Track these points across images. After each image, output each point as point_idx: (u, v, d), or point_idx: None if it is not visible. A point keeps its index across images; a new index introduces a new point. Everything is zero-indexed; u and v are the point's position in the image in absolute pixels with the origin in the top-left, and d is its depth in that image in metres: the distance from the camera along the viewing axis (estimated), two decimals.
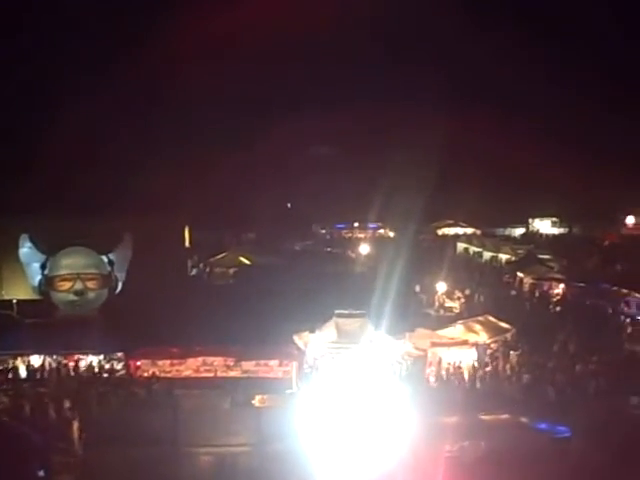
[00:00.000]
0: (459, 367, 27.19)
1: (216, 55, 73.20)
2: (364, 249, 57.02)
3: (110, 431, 20.95)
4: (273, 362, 26.40)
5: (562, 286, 43.98)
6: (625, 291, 39.96)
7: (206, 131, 75.30)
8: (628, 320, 36.81)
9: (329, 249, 60.42)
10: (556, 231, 77.72)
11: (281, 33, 71.40)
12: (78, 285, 31.54)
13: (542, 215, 78.61)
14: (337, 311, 28.62)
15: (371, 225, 75.12)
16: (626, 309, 38.25)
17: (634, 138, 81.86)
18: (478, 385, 26.37)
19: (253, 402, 23.90)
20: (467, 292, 42.08)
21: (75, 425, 21.12)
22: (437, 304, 40.31)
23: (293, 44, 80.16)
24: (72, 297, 31.56)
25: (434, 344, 27.81)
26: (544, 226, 78.71)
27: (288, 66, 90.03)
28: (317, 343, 27.58)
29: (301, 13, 65.78)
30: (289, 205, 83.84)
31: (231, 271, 47.63)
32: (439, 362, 27.31)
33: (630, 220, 78.03)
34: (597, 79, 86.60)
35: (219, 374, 26.27)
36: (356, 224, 75.78)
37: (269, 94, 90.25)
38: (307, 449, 17.53)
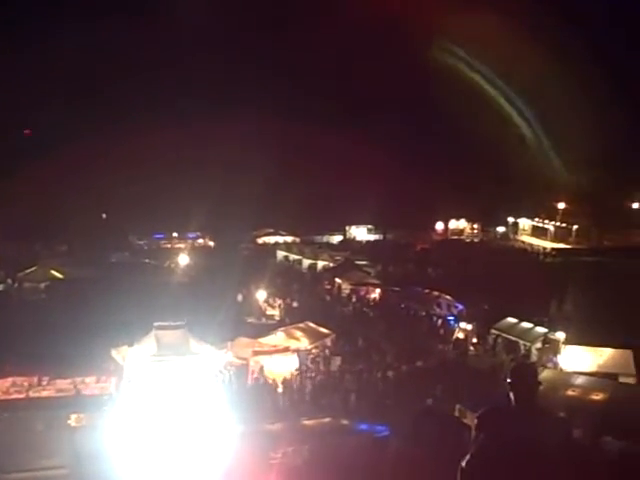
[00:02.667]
0: (281, 374, 27.31)
1: None
2: (183, 259, 56.08)
3: None
4: (90, 379, 25.17)
5: (378, 291, 45.40)
6: (436, 293, 41.95)
7: (11, 138, 71.46)
8: (440, 321, 38.63)
9: (147, 260, 58.84)
10: (372, 238, 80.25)
11: None
12: None
13: (358, 222, 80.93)
14: (156, 323, 27.79)
15: (190, 235, 74.05)
16: (438, 310, 40.16)
17: (441, 150, 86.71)
18: (300, 390, 26.61)
19: (69, 422, 22.67)
20: (288, 299, 42.46)
21: None
22: (258, 312, 40.34)
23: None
24: None
25: (256, 352, 27.77)
26: (360, 233, 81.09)
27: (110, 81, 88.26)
28: (136, 357, 26.66)
29: None
30: (104, 215, 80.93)
31: (42, 285, 45.13)
32: (261, 370, 27.29)
33: (439, 226, 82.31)
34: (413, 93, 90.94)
35: (31, 394, 24.71)
36: (175, 234, 74.39)
37: (83, 103, 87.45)
38: (127, 467, 16.86)
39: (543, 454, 5.28)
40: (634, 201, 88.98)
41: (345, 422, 19.80)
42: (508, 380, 5.51)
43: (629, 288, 45.55)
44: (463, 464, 5.39)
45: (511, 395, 5.49)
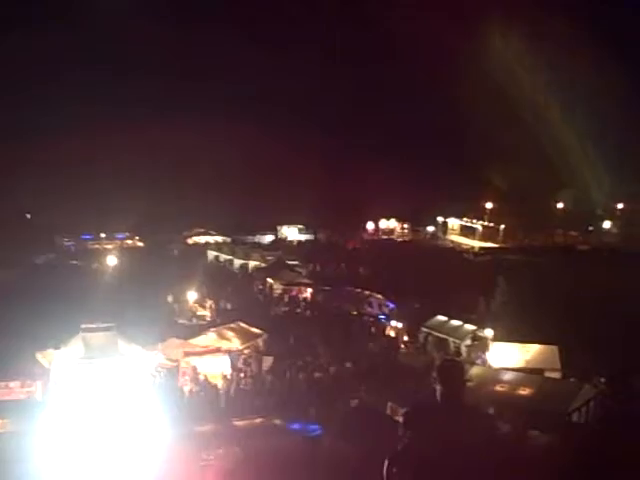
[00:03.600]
0: (213, 375, 27.04)
1: None
2: (112, 260, 55.03)
3: None
4: (14, 383, 24.50)
5: (310, 290, 45.41)
6: (368, 293, 42.26)
7: None
8: (371, 320, 38.89)
9: (74, 261, 57.54)
10: (303, 237, 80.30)
11: None
12: None
13: (290, 222, 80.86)
14: (84, 325, 27.16)
15: (119, 235, 72.68)
16: (369, 309, 40.43)
17: (372, 150, 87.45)
18: (232, 391, 26.39)
19: None
20: (219, 300, 42.09)
21: None
22: (189, 313, 39.89)
23: None
24: None
25: (187, 354, 27.43)
26: (292, 233, 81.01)
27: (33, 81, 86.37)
28: (63, 360, 26.00)
29: None
30: (28, 215, 78.80)
31: None
32: (192, 371, 26.96)
33: (370, 226, 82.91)
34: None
35: None
36: (103, 234, 72.92)
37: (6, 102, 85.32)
38: (54, 472, 16.41)
39: (469, 450, 5.32)
40: (558, 201, 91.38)
41: (277, 422, 19.71)
42: (435, 377, 5.55)
43: (554, 286, 46.77)
44: (390, 460, 5.41)
45: (438, 392, 5.53)
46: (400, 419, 5.53)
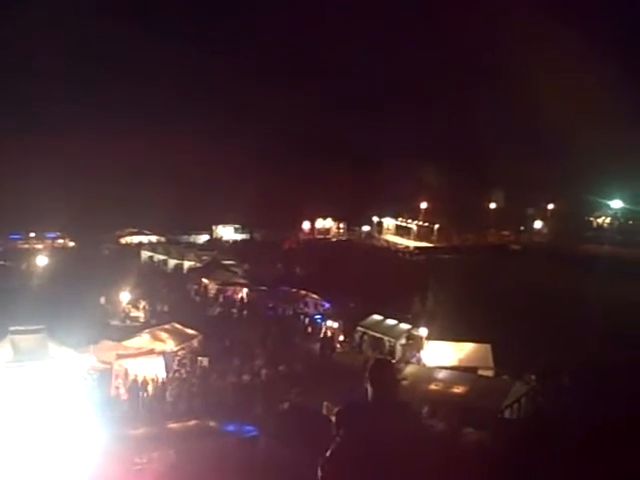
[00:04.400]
0: (147, 377, 26.62)
1: None
2: (42, 261, 53.74)
3: None
4: None
5: (245, 290, 45.15)
6: (303, 292, 42.27)
7: None
8: (307, 320, 38.89)
9: (2, 262, 56.03)
10: (238, 237, 79.88)
11: None
12: None
13: (225, 222, 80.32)
14: (12, 328, 26.43)
15: (49, 235, 71.03)
16: (305, 309, 40.45)
17: (308, 149, 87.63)
18: (167, 393, 26.03)
19: None
20: (153, 301, 41.50)
21: None
22: (122, 314, 39.21)
23: None
24: None
25: (120, 356, 26.92)
26: (227, 232, 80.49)
27: None
28: None
29: None
30: None
31: None
32: (126, 373, 26.49)
33: (306, 225, 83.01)
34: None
35: None
36: (32, 234, 71.16)
37: None
38: None
39: (400, 448, 5.32)
40: (491, 201, 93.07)
41: (212, 424, 19.54)
42: (367, 377, 5.59)
43: (487, 285, 47.60)
44: (323, 460, 5.42)
45: (370, 391, 5.58)
46: (333, 419, 5.54)
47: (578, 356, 32.09)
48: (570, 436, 21.90)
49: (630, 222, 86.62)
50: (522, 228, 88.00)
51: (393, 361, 32.50)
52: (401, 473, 5.34)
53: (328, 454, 5.42)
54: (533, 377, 30.19)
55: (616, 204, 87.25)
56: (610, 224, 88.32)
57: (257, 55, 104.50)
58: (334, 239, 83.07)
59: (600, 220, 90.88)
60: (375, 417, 5.44)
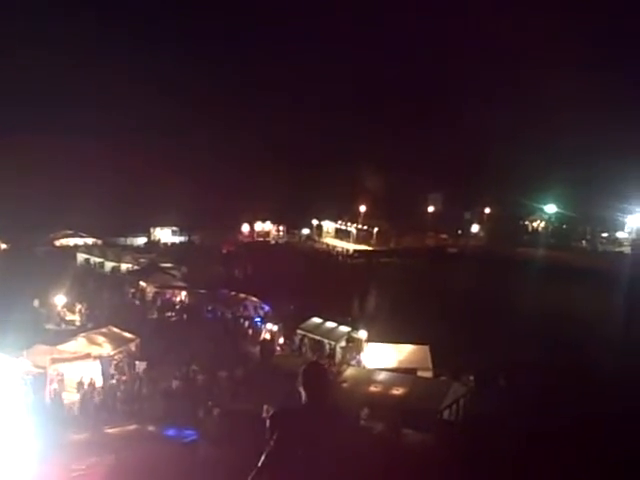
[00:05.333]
0: (83, 381, 26.08)
1: None
2: None
3: None
4: None
5: (184, 293, 44.71)
6: (243, 295, 42.06)
7: None
8: (247, 323, 38.70)
9: None
10: (177, 239, 79.08)
11: None
12: None
13: (163, 224, 79.39)
14: None
15: None
16: (245, 312, 40.24)
17: (246, 152, 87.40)
18: (104, 398, 25.55)
19: None
20: (89, 304, 40.71)
21: None
22: (58, 318, 38.37)
23: None
24: None
25: (55, 360, 26.30)
26: (165, 235, 79.58)
27: None
28: None
29: None
30: None
31: None
32: (61, 378, 25.90)
33: (245, 228, 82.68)
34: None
35: None
36: None
37: None
38: None
39: (336, 451, 5.35)
40: (430, 205, 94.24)
41: (152, 428, 19.24)
42: (299, 380, 5.62)
43: (425, 287, 48.11)
44: (258, 464, 5.44)
45: (303, 395, 5.61)
46: (267, 423, 5.55)
47: (512, 357, 32.72)
48: (508, 436, 22.31)
49: (564, 226, 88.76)
50: (460, 232, 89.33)
51: (334, 363, 32.75)
52: (337, 475, 5.36)
53: (262, 458, 5.45)
54: (471, 378, 30.64)
55: (550, 208, 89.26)
56: (545, 228, 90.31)
57: (194, 56, 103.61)
58: (273, 242, 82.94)
59: (535, 224, 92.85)
60: (308, 421, 5.46)
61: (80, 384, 25.87)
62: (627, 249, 78.39)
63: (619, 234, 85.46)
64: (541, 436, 23.23)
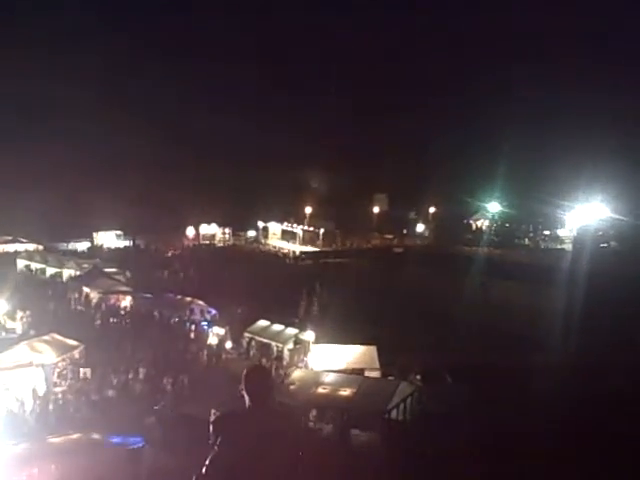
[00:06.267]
0: (25, 390, 25.53)
1: None
2: None
3: None
4: None
5: (129, 298, 44.15)
6: (189, 299, 41.74)
7: None
8: (194, 327, 38.40)
9: None
10: (121, 244, 77.94)
11: None
12: None
13: (106, 228, 78.10)
14: None
15: None
16: (192, 316, 39.92)
17: (190, 154, 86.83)
18: (46, 406, 25.05)
19: None
20: (30, 311, 39.83)
21: None
22: None
23: None
24: None
25: None
26: (108, 239, 78.32)
27: None
28: None
29: None
30: None
31: None
32: (5, 387, 25.32)
33: (190, 231, 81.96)
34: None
35: None
36: None
37: None
38: None
39: (278, 454, 5.41)
40: (375, 205, 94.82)
41: (96, 436, 18.87)
42: (242, 384, 5.65)
43: (372, 287, 48.47)
44: (202, 470, 5.45)
45: (246, 398, 5.63)
46: (209, 428, 5.55)
47: (457, 355, 33.18)
48: (455, 435, 22.58)
49: (507, 225, 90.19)
50: (405, 231, 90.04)
51: (282, 366, 32.69)
52: (283, 477, 5.38)
53: (206, 463, 5.43)
54: (418, 377, 30.92)
55: (494, 207, 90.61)
56: (488, 227, 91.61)
57: (129, 56, 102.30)
58: (220, 244, 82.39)
59: (479, 223, 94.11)
60: (252, 424, 5.49)
61: (22, 393, 25.35)
62: (568, 246, 80.00)
63: (560, 232, 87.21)
64: (488, 433, 23.59)
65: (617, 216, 71.64)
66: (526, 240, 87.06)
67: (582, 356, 34.66)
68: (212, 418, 5.71)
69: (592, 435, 23.97)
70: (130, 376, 28.22)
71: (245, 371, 5.84)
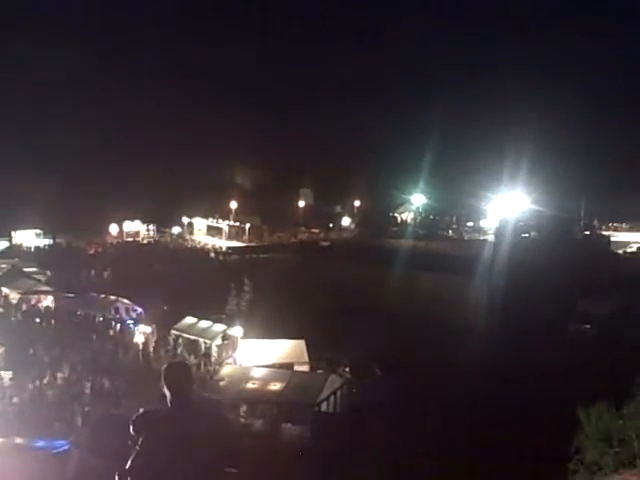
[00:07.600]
0: None
1: None
2: None
3: None
4: None
5: (51, 298, 43.17)
6: (113, 298, 41.03)
7: None
8: (119, 326, 37.79)
9: None
10: (41, 243, 75.91)
11: None
12: None
13: (25, 227, 75.92)
14: None
15: None
16: (116, 315, 39.24)
17: (106, 152, 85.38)
18: None
19: None
20: None
21: None
22: None
23: None
24: None
25: None
26: (28, 238, 76.17)
27: None
28: None
29: None
30: None
31: None
32: None
33: (114, 229, 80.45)
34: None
35: None
36: None
37: None
38: None
39: (202, 450, 5.34)
40: (300, 200, 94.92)
41: (19, 440, 18.33)
42: (162, 381, 5.57)
43: (299, 281, 48.55)
44: (125, 468, 5.36)
45: (167, 394, 5.55)
46: (130, 427, 5.45)
47: (385, 348, 33.49)
48: (384, 426, 22.81)
49: (431, 217, 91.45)
50: (331, 225, 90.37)
51: (210, 362, 32.43)
52: (209, 472, 5.33)
53: (128, 463, 5.37)
54: (347, 370, 31.12)
55: (418, 200, 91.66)
56: (413, 219, 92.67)
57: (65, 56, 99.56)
58: (144, 242, 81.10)
59: (404, 215, 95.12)
60: (173, 420, 5.42)
61: None
62: (491, 237, 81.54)
63: (483, 223, 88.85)
64: (417, 422, 23.91)
65: (537, 207, 73.36)
66: (450, 232, 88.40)
67: (504, 340, 35.90)
68: (133, 417, 5.62)
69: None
70: (53, 378, 27.56)
71: (164, 367, 5.79)
